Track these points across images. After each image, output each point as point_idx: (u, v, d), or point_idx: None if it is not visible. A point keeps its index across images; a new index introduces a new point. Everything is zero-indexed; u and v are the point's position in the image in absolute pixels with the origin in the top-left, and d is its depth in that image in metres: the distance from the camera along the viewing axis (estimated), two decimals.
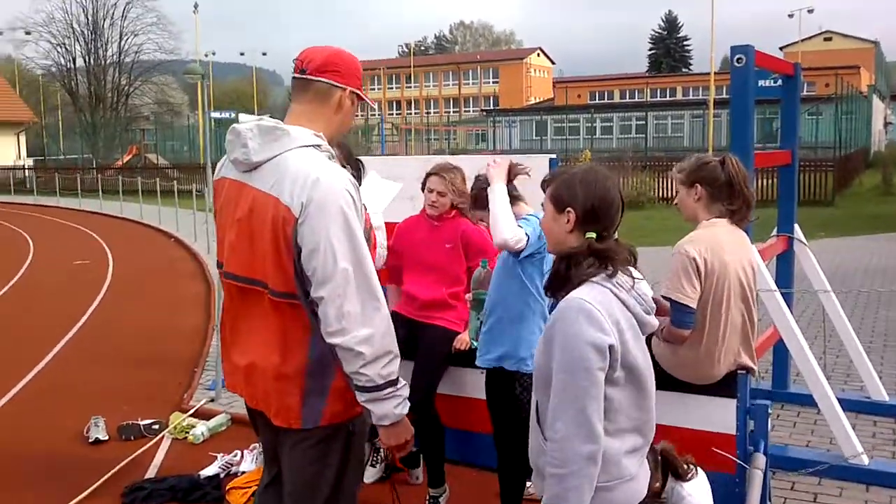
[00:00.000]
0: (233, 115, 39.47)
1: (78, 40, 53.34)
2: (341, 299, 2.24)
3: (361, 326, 2.25)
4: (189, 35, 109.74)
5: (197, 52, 45.26)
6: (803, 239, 5.48)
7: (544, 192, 2.37)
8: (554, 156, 5.44)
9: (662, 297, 3.42)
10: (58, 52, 53.44)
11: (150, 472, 4.87)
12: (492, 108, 67.05)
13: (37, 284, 12.26)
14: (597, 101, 64.96)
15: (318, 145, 2.41)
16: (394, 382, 2.33)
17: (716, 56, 38.37)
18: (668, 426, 3.58)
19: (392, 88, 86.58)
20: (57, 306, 10.30)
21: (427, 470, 4.19)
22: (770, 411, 3.50)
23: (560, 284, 2.19)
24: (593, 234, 2.21)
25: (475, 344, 3.85)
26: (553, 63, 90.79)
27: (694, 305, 3.34)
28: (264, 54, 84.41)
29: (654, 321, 2.25)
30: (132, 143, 47.41)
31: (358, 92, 2.52)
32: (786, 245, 5.43)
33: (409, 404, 2.39)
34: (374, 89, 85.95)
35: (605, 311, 2.09)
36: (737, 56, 4.36)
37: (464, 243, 4.17)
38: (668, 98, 62.74)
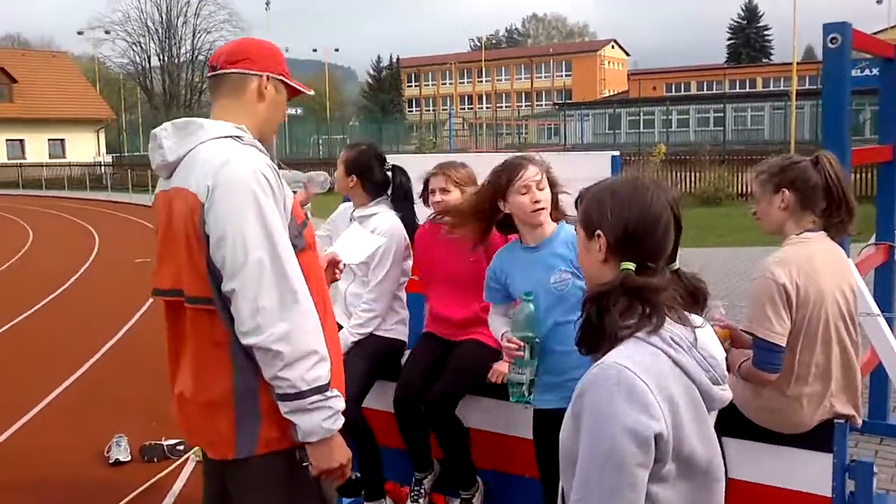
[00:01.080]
0: (299, 112, 40.02)
1: (153, 38, 54.65)
2: (254, 292, 1.99)
3: (279, 322, 2.00)
4: (260, 31, 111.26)
5: None
6: None
7: (576, 210, 1.82)
8: (617, 153, 4.83)
9: (744, 331, 2.81)
10: (133, 50, 54.84)
11: (168, 500, 4.49)
12: (564, 101, 66.05)
13: (97, 281, 12.18)
14: (673, 93, 63.38)
15: (239, 137, 2.16)
16: (321, 389, 2.05)
17: (798, 45, 36.75)
18: (746, 482, 2.98)
19: (463, 83, 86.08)
20: (109, 306, 10.12)
21: (453, 475, 3.69)
22: (872, 460, 2.85)
23: (594, 338, 1.63)
24: (630, 266, 1.64)
25: (520, 398, 3.08)
26: (628, 55, 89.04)
27: (783, 343, 2.74)
28: (336, 50, 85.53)
29: (725, 395, 1.66)
30: None
31: (281, 77, 2.30)
32: (886, 256, 4.72)
33: (342, 420, 2.11)
34: (445, 84, 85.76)
35: (655, 382, 1.53)
36: (830, 36, 3.69)
37: (486, 250, 3.60)
38: (747, 90, 60.74)
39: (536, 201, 3.04)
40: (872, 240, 4.80)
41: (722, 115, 45.68)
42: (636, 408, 1.49)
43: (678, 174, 22.60)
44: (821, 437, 2.84)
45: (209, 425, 2.15)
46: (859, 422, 2.90)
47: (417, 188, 3.87)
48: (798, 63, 35.17)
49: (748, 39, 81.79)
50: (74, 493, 4.64)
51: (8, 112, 46.39)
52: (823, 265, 2.78)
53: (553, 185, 3.11)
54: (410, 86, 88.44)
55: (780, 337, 2.74)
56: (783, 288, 2.71)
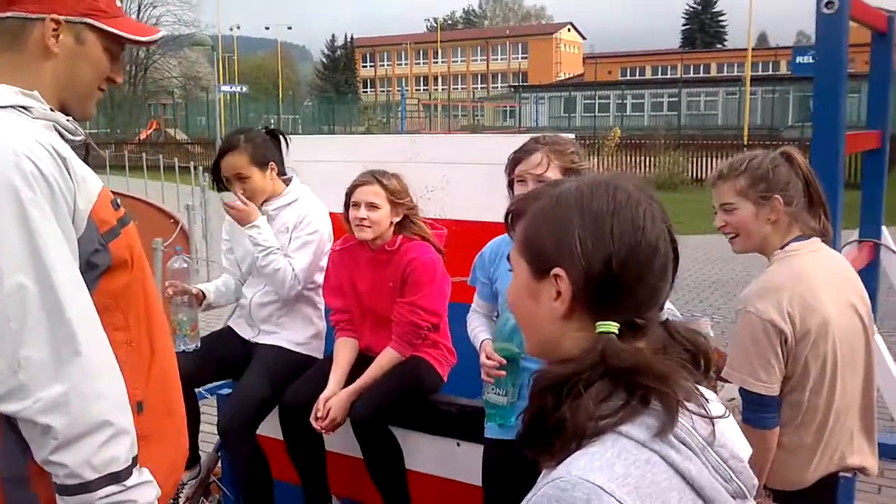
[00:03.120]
0: (244, 90, 38.85)
1: None
2: (14, 336, 1.37)
3: (51, 382, 1.38)
4: (211, 7, 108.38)
5: (219, 25, 44.34)
6: (894, 247, 4.23)
7: (509, 231, 1.21)
8: (572, 136, 4.36)
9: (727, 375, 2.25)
10: None
11: None
12: (520, 84, 65.55)
13: None
14: (628, 77, 63.28)
15: (24, 107, 1.51)
16: (118, 477, 1.43)
17: (753, 31, 36.60)
18: None
19: (419, 64, 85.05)
20: None
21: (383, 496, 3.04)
22: None
23: (548, 437, 1.03)
24: (612, 328, 1.04)
25: (501, 422, 2.54)
26: (584, 38, 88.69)
27: (775, 394, 2.19)
28: (290, 28, 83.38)
29: None
30: (153, 118, 46.60)
31: (84, 20, 1.58)
32: (871, 255, 4.19)
33: None
34: (400, 64, 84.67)
35: None
36: (825, 1, 3.12)
37: (403, 278, 3.01)
38: (701, 75, 60.80)
39: None
40: (855, 236, 4.28)
41: (676, 99, 45.66)
42: None
43: (633, 159, 22.34)
44: (820, 496, 2.28)
45: None
46: (875, 471, 2.34)
47: (336, 191, 3.13)
48: (752, 49, 35.09)
49: (703, 25, 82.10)
50: None
51: None
52: (824, 281, 2.21)
53: (571, 171, 2.49)
54: (365, 66, 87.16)
55: (768, 387, 2.18)
56: (770, 325, 2.14)
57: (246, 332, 3.39)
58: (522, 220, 1.15)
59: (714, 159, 21.62)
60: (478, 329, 2.72)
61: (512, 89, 62.74)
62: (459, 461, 2.94)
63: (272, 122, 46.64)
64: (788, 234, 2.28)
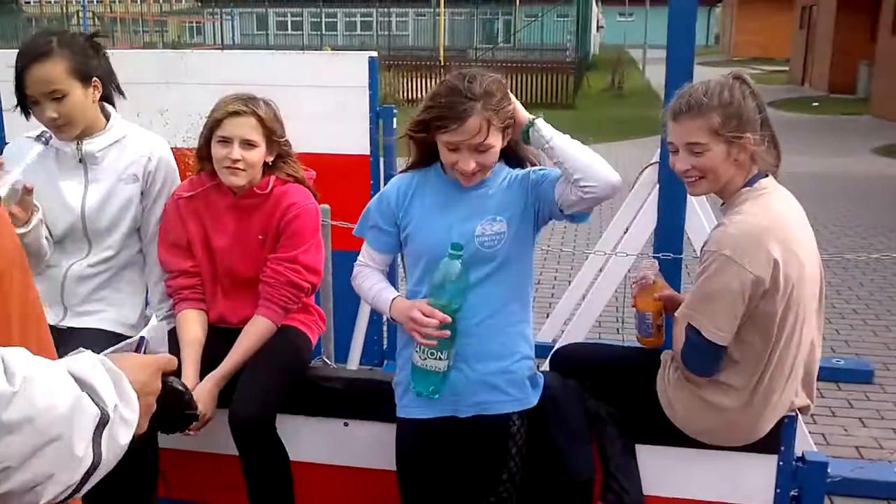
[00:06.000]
0: None
1: None
2: None
3: None
4: None
5: None
6: None
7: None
8: (375, 54, 4.02)
9: (678, 319, 2.11)
10: None
11: None
12: None
13: None
14: None
15: None
16: None
17: None
18: (669, 499, 2.33)
19: None
20: None
21: None
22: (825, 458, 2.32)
23: None
24: None
25: (431, 391, 2.19)
26: None
27: (726, 344, 2.08)
28: None
29: None
30: None
31: None
32: None
33: None
34: None
35: None
36: None
37: (278, 228, 2.55)
38: None
39: (471, 172, 2.14)
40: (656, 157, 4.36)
41: (371, 19, 45.76)
42: None
43: None
44: (766, 441, 2.25)
45: None
46: (812, 408, 2.34)
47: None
48: None
49: None
50: None
51: None
52: (798, 224, 2.13)
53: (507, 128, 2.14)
54: None
55: (724, 338, 2.08)
56: (753, 279, 2.02)
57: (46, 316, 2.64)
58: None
59: (419, 80, 21.96)
60: (378, 286, 2.30)
61: (199, 4, 59.06)
62: (349, 444, 2.56)
63: None
64: (749, 172, 2.15)
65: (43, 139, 2.40)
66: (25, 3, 71.78)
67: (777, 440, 2.23)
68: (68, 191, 2.54)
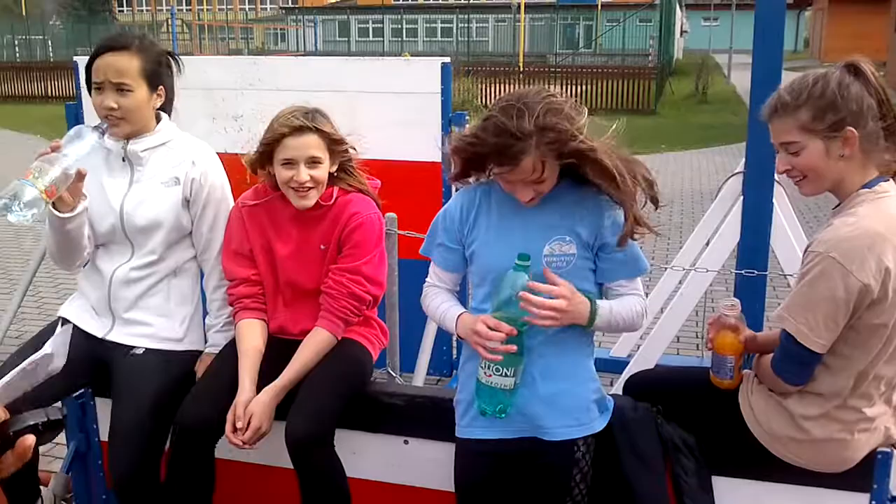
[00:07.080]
0: None
1: None
2: None
3: None
4: None
5: None
6: None
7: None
8: (447, 59, 3.95)
9: (774, 322, 1.97)
10: None
11: None
12: (291, 5, 63.15)
13: None
14: (401, 2, 62.85)
15: None
16: None
17: None
18: None
19: None
20: None
21: None
22: None
23: None
24: None
25: (498, 410, 2.07)
26: None
27: (823, 353, 1.93)
28: None
29: None
30: None
31: None
32: None
33: None
34: None
35: None
36: None
37: (340, 239, 2.48)
38: (472, 1, 61.58)
39: (527, 200, 2.04)
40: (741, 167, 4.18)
41: (451, 25, 45.93)
42: None
43: None
44: (856, 469, 2.08)
45: None
46: None
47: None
48: None
49: None
50: None
51: None
52: None
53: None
54: None
55: (822, 346, 1.92)
56: (861, 287, 1.86)
57: (90, 326, 2.60)
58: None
59: (497, 85, 21.90)
60: (445, 305, 2.21)
61: (283, 11, 60.35)
62: (408, 462, 2.48)
63: (16, 44, 41.73)
64: (866, 169, 1.99)
65: (100, 129, 2.39)
66: (119, 11, 74.54)
67: (870, 476, 2.06)
68: (111, 189, 2.54)
